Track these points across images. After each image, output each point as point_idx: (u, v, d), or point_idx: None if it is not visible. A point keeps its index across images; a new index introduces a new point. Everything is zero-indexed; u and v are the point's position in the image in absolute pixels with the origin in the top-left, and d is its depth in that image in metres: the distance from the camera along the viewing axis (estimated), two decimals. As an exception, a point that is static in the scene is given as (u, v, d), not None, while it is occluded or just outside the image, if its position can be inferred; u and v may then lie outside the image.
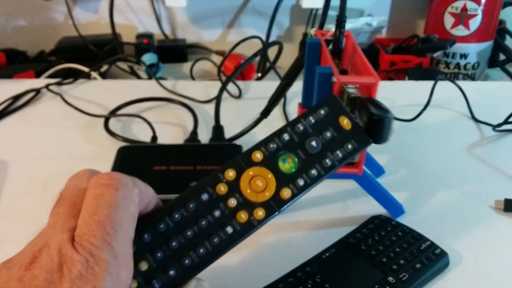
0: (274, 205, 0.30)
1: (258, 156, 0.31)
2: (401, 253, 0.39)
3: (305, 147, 0.31)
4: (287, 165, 0.31)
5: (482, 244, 0.43)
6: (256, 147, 0.32)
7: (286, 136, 0.32)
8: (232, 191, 0.30)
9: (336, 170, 0.31)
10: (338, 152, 0.31)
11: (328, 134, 0.32)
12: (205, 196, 0.30)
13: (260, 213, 0.30)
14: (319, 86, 0.38)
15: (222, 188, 0.30)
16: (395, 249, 0.40)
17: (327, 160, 0.31)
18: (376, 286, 0.36)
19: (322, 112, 0.32)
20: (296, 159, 0.31)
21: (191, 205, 0.30)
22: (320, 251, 0.40)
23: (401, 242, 0.41)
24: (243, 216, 0.30)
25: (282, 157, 0.31)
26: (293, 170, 0.31)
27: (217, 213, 0.30)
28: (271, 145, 0.32)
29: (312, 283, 0.37)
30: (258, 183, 0.30)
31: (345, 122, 0.32)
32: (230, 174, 0.31)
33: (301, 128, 0.32)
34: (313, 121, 0.32)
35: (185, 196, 0.30)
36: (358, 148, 0.31)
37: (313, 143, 0.31)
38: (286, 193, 0.30)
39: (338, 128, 0.32)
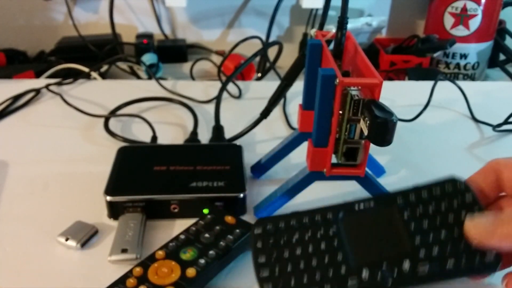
0: (183, 283, 0.36)
1: (160, 253, 0.39)
2: (444, 243, 0.30)
3: (200, 240, 0.40)
4: (187, 254, 0.39)
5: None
6: (158, 249, 0.39)
7: (182, 236, 0.40)
8: (141, 281, 0.36)
9: (232, 251, 0.39)
10: (229, 236, 0.40)
11: (217, 228, 0.41)
12: None
13: None
14: (322, 88, 0.37)
15: (131, 281, 0.36)
16: (440, 234, 0.30)
17: (221, 243, 0.39)
18: (385, 263, 0.30)
19: (209, 217, 0.42)
20: (195, 249, 0.39)
21: None
22: (358, 199, 0.34)
23: (453, 231, 0.31)
24: None
25: (182, 249, 0.39)
26: (194, 256, 0.38)
27: None
28: (171, 244, 0.40)
29: (323, 233, 0.32)
30: (164, 270, 0.37)
31: (229, 219, 0.42)
32: (137, 269, 0.37)
33: (194, 229, 0.41)
34: (203, 223, 0.42)
35: None
36: (245, 232, 0.41)
37: (206, 235, 0.40)
38: (191, 271, 0.37)
39: (225, 224, 0.42)
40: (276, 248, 0.33)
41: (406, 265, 0.30)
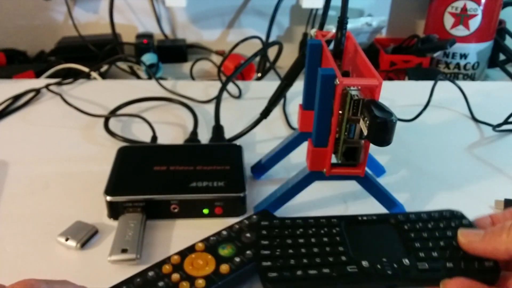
0: (214, 278, 0.36)
1: (200, 245, 0.39)
2: (443, 249, 0.33)
3: (241, 239, 0.40)
4: (225, 250, 0.39)
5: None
6: (199, 241, 0.39)
7: (224, 232, 0.41)
8: (176, 269, 0.37)
9: None
10: None
11: None
12: (151, 274, 0.36)
13: (200, 282, 0.36)
14: (322, 88, 0.37)
15: (167, 267, 0.37)
16: (439, 243, 0.33)
17: None
18: (384, 259, 0.32)
19: (254, 217, 0.42)
20: (234, 247, 0.39)
21: (138, 280, 0.36)
22: (361, 214, 0.37)
23: (452, 241, 0.34)
24: (184, 284, 0.35)
25: (222, 245, 0.39)
26: (231, 254, 0.39)
27: (161, 284, 0.35)
28: (212, 238, 0.40)
29: (327, 230, 0.35)
30: (199, 262, 0.38)
31: None
32: (175, 257, 0.38)
33: (237, 227, 0.41)
34: (247, 223, 0.42)
35: (132, 276, 0.36)
36: None
37: (248, 235, 0.40)
38: (225, 267, 0.37)
39: None
40: (280, 236, 0.34)
41: (406, 261, 0.32)
